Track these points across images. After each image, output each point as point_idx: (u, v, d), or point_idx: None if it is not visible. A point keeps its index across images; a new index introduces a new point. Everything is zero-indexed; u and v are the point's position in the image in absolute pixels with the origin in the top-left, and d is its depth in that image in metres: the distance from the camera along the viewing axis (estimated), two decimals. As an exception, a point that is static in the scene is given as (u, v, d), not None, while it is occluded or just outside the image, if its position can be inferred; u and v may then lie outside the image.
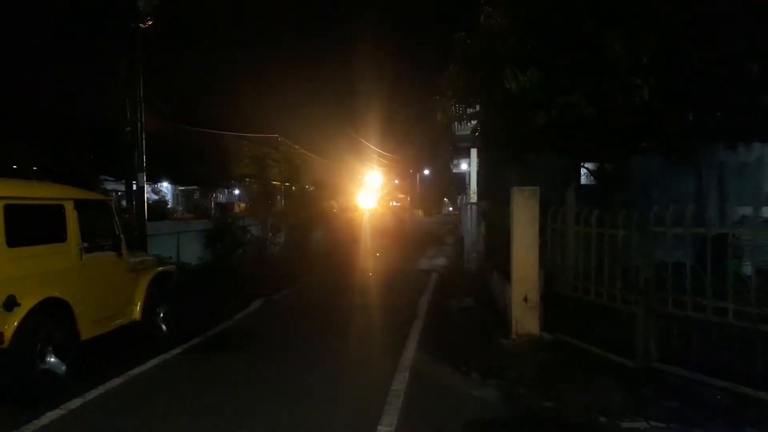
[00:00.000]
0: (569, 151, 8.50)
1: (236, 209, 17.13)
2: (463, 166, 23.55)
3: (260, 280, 11.94)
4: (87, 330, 6.09)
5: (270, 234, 16.28)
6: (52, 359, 5.57)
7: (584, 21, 6.89)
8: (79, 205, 6.26)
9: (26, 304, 5.25)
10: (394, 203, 39.51)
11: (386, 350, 7.11)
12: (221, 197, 25.39)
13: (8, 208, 5.26)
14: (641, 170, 9.43)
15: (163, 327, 7.69)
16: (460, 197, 26.29)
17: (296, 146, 19.94)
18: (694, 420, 4.72)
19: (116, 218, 7.09)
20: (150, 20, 11.00)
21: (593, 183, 10.29)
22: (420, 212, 58.28)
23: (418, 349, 7.16)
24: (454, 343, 7.38)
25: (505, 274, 7.83)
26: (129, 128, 10.85)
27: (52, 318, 5.63)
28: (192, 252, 12.97)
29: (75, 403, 5.33)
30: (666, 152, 8.42)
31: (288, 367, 6.60)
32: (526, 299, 7.05)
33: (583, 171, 10.55)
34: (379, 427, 4.74)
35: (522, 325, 7.09)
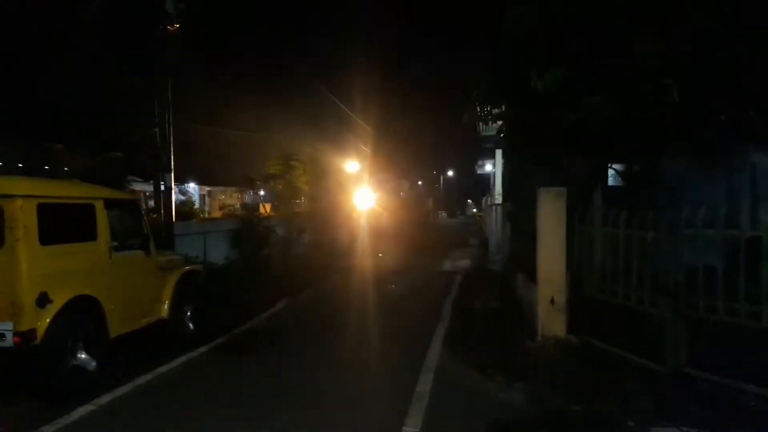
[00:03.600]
0: (596, 152, 8.40)
1: (262, 210, 17.25)
2: (488, 167, 23.44)
3: (285, 280, 12.01)
4: (116, 327, 6.19)
5: (295, 234, 16.38)
6: (83, 356, 5.69)
7: (613, 21, 6.81)
8: (109, 204, 6.38)
9: (58, 302, 5.36)
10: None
11: (410, 351, 7.10)
12: (247, 198, 25.63)
13: (41, 207, 5.38)
14: (671, 171, 9.25)
15: (190, 325, 7.79)
16: (484, 198, 26.15)
17: (319, 147, 20.00)
18: (727, 427, 4.62)
19: (144, 217, 7.20)
20: (177, 24, 11.14)
21: (621, 184, 10.14)
22: (444, 213, 58.09)
23: (442, 350, 7.14)
24: (479, 345, 7.34)
25: (531, 276, 7.76)
26: (157, 129, 11.00)
27: (82, 315, 5.73)
28: (218, 251, 13.12)
29: (105, 398, 5.44)
30: (697, 153, 8.26)
31: (313, 366, 6.63)
32: (552, 301, 6.97)
33: (610, 172, 10.42)
34: (404, 428, 4.74)
35: (548, 327, 7.01)
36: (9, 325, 5.06)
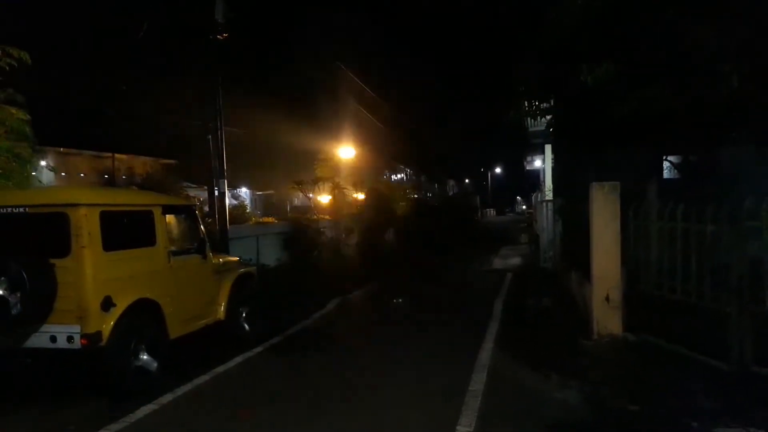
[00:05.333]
0: (650, 144, 8.16)
1: (310, 212, 17.51)
2: (537, 163, 23.06)
3: (335, 281, 12.14)
4: (175, 329, 6.38)
5: (343, 235, 16.54)
6: (145, 357, 5.89)
7: (664, 9, 6.60)
8: (167, 210, 6.58)
9: (121, 305, 5.57)
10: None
11: (462, 350, 7.05)
12: (296, 201, 25.99)
13: (104, 215, 5.61)
14: (731, 161, 8.90)
15: (246, 326, 7.95)
16: (534, 195, 25.73)
17: (365, 149, 20.17)
18: (798, 427, 4.42)
19: (200, 223, 7.40)
20: (226, 33, 11.41)
21: (677, 177, 9.83)
22: (492, 211, 57.53)
23: (495, 349, 7.07)
24: (532, 343, 7.24)
25: (585, 273, 7.60)
26: (210, 136, 11.31)
27: (144, 318, 5.94)
28: (271, 254, 13.36)
29: (166, 398, 5.62)
30: (758, 142, 7.92)
31: (365, 365, 6.68)
32: (607, 298, 6.81)
33: (665, 164, 10.11)
34: (458, 428, 4.72)
35: (604, 325, 6.85)
36: (77, 328, 5.31)
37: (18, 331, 5.37)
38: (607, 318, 6.84)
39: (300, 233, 14.07)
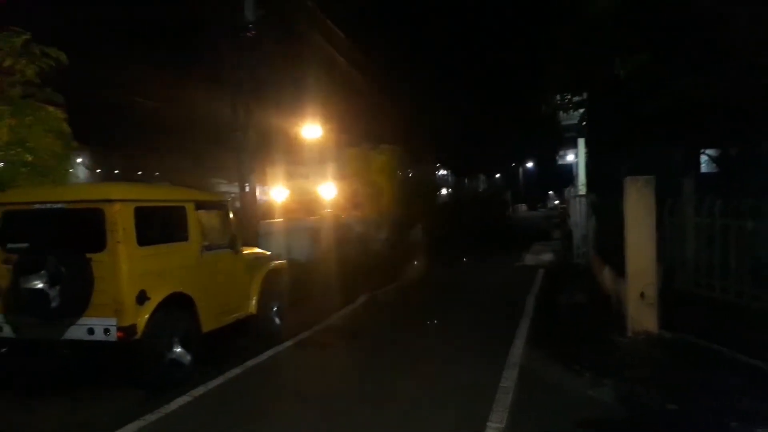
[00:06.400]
0: (687, 137, 7.96)
1: (339, 207, 17.54)
2: (570, 157, 22.70)
3: (364, 276, 12.16)
4: (208, 323, 6.46)
5: (373, 231, 16.56)
6: (179, 349, 5.99)
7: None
8: (199, 206, 6.67)
9: (155, 299, 5.67)
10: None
11: (493, 347, 6.99)
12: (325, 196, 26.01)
13: (138, 211, 5.71)
14: (772, 155, 8.64)
15: (276, 320, 8.02)
16: (567, 190, 25.33)
17: (395, 145, 20.10)
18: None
19: (232, 218, 7.48)
20: (254, 30, 11.47)
21: (715, 171, 9.58)
22: (524, 206, 56.97)
23: (526, 346, 6.99)
24: (565, 340, 7.13)
25: (619, 270, 7.46)
26: (239, 132, 11.39)
27: (177, 311, 6.03)
28: (300, 249, 13.45)
29: (199, 390, 5.70)
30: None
31: (394, 361, 6.68)
32: (642, 295, 6.67)
33: (703, 158, 9.86)
34: (489, 424, 4.68)
35: (639, 322, 6.72)
36: (113, 321, 5.42)
37: (57, 323, 5.51)
38: (642, 315, 6.70)
39: (329, 229, 14.12)
